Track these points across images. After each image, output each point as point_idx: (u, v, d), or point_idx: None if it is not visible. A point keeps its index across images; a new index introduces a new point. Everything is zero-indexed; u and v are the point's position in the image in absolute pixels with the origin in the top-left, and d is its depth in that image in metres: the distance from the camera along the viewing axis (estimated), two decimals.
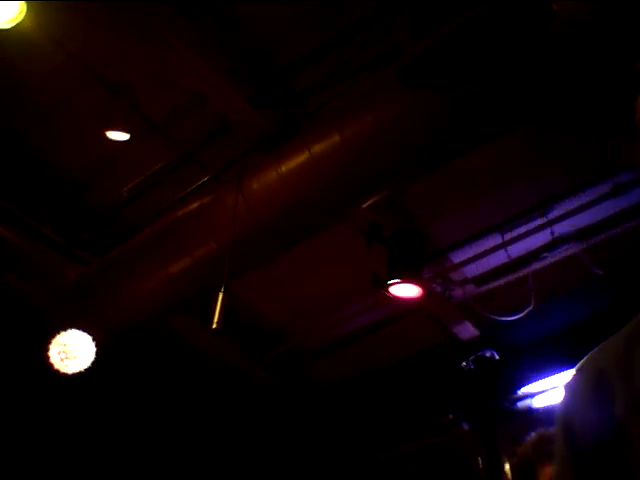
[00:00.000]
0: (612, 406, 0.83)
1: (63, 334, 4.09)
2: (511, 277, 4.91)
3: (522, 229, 4.63)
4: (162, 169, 4.60)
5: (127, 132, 4.16)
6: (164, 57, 3.76)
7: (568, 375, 0.94)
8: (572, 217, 4.43)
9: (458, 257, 4.93)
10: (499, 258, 4.85)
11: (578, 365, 0.93)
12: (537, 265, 4.73)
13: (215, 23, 3.76)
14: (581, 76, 2.97)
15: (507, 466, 4.68)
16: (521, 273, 4.83)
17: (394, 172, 3.53)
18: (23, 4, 3.11)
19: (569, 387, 0.92)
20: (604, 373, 0.87)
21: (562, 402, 0.93)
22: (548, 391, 5.19)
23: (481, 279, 5.05)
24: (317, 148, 3.49)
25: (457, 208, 4.72)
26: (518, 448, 2.43)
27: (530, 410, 5.27)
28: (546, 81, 3.06)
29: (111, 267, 4.38)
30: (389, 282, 4.48)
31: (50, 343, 4.08)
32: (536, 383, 5.27)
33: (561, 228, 4.53)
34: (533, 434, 2.37)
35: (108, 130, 4.13)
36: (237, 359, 5.66)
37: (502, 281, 4.97)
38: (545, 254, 4.66)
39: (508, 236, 4.68)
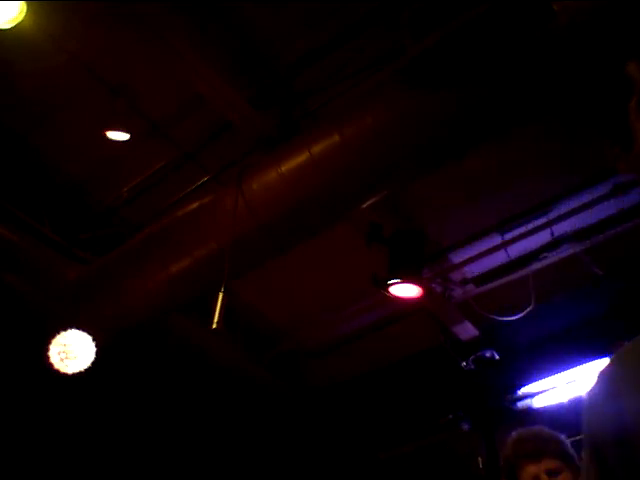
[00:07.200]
0: (625, 412, 0.83)
1: (63, 334, 4.09)
2: (511, 277, 4.91)
3: (522, 229, 4.63)
4: (162, 169, 4.60)
5: (127, 132, 4.16)
6: (164, 57, 3.76)
7: (602, 364, 0.92)
8: (572, 217, 4.43)
9: (458, 257, 4.93)
10: (499, 258, 4.85)
11: (614, 355, 0.91)
12: (537, 265, 4.73)
13: (215, 23, 3.76)
14: (581, 76, 2.97)
15: None
16: (521, 273, 4.83)
17: (394, 172, 3.53)
18: (23, 4, 3.11)
19: (601, 376, 0.92)
20: (624, 375, 0.87)
21: (588, 392, 0.92)
22: (548, 391, 5.19)
23: (481, 279, 5.05)
24: (317, 148, 3.49)
25: (457, 208, 4.72)
26: (502, 450, 2.39)
27: (530, 410, 5.27)
28: (546, 81, 3.06)
29: (111, 267, 4.38)
30: (389, 282, 4.47)
31: (50, 343, 4.07)
32: (536, 383, 5.28)
33: (561, 228, 4.53)
34: (513, 434, 2.33)
35: (108, 130, 4.13)
36: (237, 359, 5.66)
37: (502, 281, 4.97)
38: (545, 254, 4.66)
39: (508, 236, 4.68)
